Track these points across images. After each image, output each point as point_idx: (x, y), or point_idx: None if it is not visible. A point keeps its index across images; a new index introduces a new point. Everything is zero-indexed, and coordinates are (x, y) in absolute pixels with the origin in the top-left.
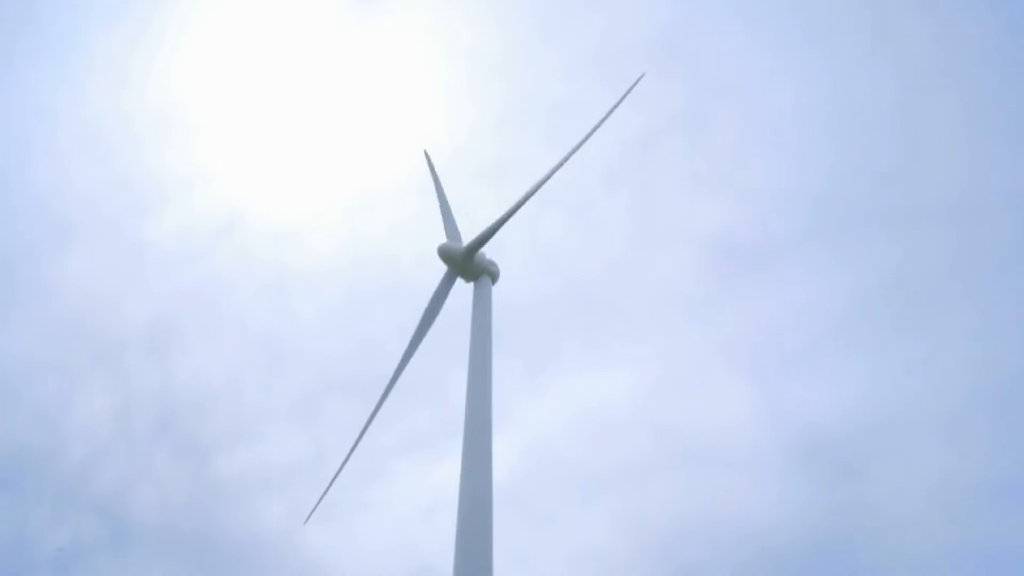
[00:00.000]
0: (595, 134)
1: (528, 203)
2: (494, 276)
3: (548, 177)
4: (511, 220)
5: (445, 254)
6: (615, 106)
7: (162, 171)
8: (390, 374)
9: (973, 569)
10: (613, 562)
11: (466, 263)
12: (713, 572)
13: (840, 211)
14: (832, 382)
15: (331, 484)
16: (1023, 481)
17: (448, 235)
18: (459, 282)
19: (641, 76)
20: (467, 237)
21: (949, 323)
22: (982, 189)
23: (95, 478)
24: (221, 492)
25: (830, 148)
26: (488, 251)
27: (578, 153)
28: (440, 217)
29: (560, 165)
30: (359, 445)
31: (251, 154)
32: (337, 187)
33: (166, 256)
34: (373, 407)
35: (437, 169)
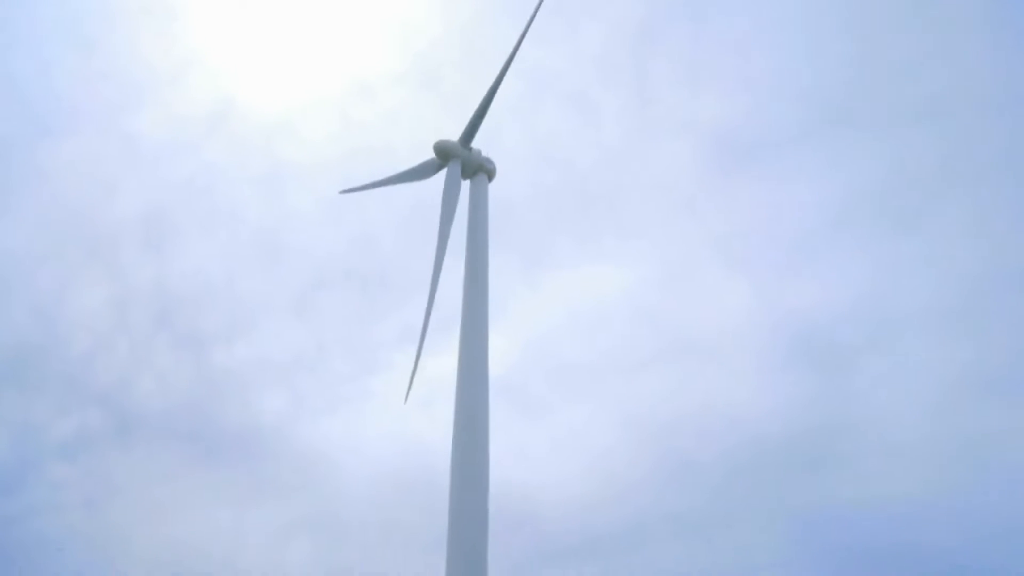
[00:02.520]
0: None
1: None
2: (490, 174)
3: (517, 47)
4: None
5: (441, 150)
6: None
7: (150, 61)
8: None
9: (955, 457)
10: (605, 451)
11: (463, 156)
12: (703, 461)
13: (840, 107)
14: (827, 277)
15: (414, 372)
16: (1009, 374)
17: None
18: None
19: None
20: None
21: (945, 220)
22: (982, 86)
23: (97, 371)
24: (221, 384)
25: (834, 44)
26: (486, 146)
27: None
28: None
29: (526, 30)
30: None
31: (241, 42)
32: (329, 75)
33: (157, 148)
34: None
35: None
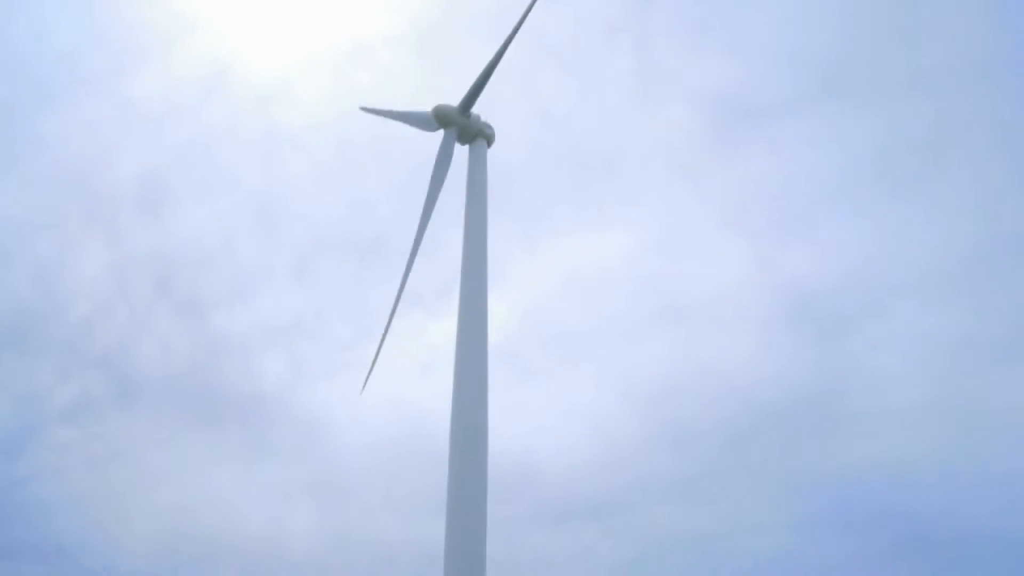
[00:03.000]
0: None
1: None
2: (490, 139)
3: (526, 15)
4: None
5: (440, 115)
6: None
7: (147, 24)
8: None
9: (955, 423)
10: (605, 416)
11: (461, 123)
12: (702, 426)
13: (841, 73)
14: (827, 243)
15: (378, 354)
16: (1008, 340)
17: (415, 123)
18: (455, 144)
19: None
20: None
21: (944, 186)
22: (982, 51)
23: (97, 336)
24: (221, 349)
25: (837, 9)
26: (484, 109)
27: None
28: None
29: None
30: (395, 311)
31: (237, 4)
32: (326, 37)
33: (153, 112)
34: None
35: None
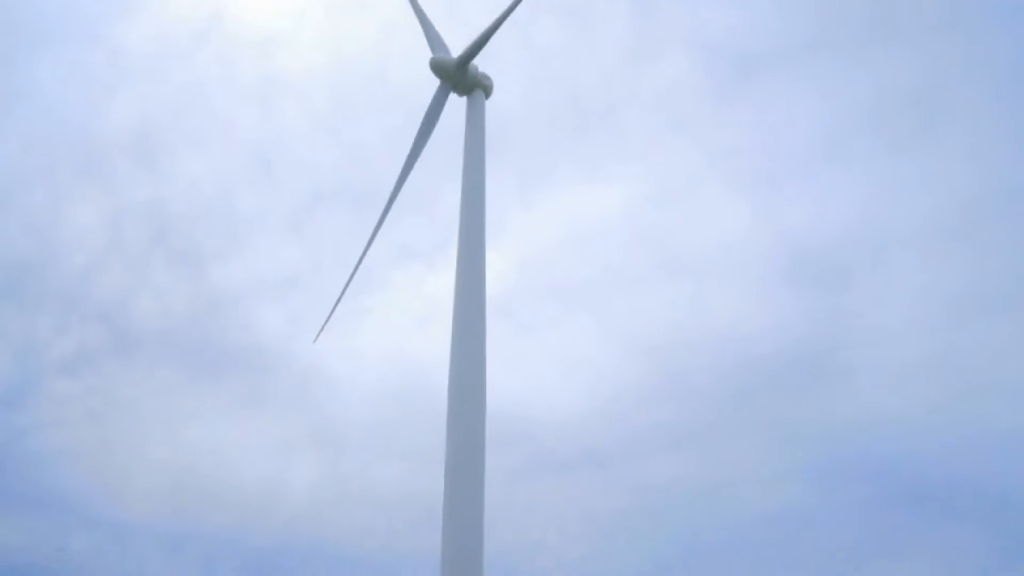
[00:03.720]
0: None
1: (523, 9)
2: (487, 90)
3: None
4: (504, 27)
5: (437, 67)
6: None
7: None
8: (383, 187)
9: (952, 375)
10: (602, 367)
11: (459, 76)
12: (699, 378)
13: (840, 24)
14: (825, 195)
15: (338, 302)
16: (1005, 292)
17: (432, 48)
18: (452, 96)
19: None
20: (459, 48)
21: (943, 139)
22: (980, 5)
23: (94, 288)
24: (219, 302)
25: None
26: (481, 59)
27: None
28: (420, 30)
29: None
30: (361, 263)
31: None
32: None
33: (146, 61)
34: (373, 227)
35: None
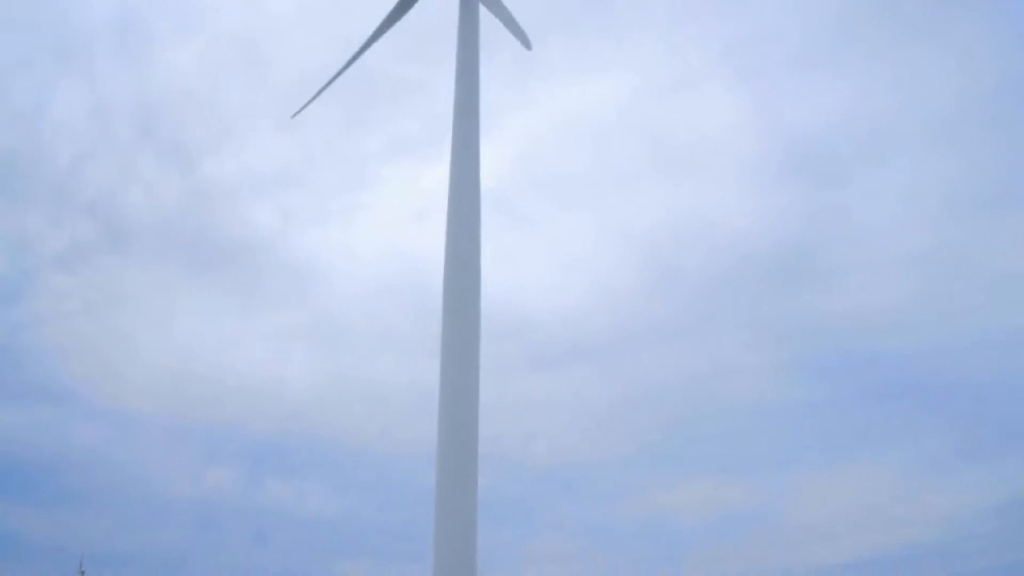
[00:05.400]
0: None
1: None
2: None
3: None
4: None
5: None
6: None
7: None
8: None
9: (941, 269)
10: (596, 262)
11: None
12: (692, 272)
13: None
14: (822, 91)
15: (327, 85)
16: (996, 191)
17: None
18: None
19: None
20: None
21: (944, 36)
22: None
23: (83, 182)
24: (210, 196)
25: None
26: None
27: None
28: None
29: None
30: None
31: None
32: None
33: None
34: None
35: None
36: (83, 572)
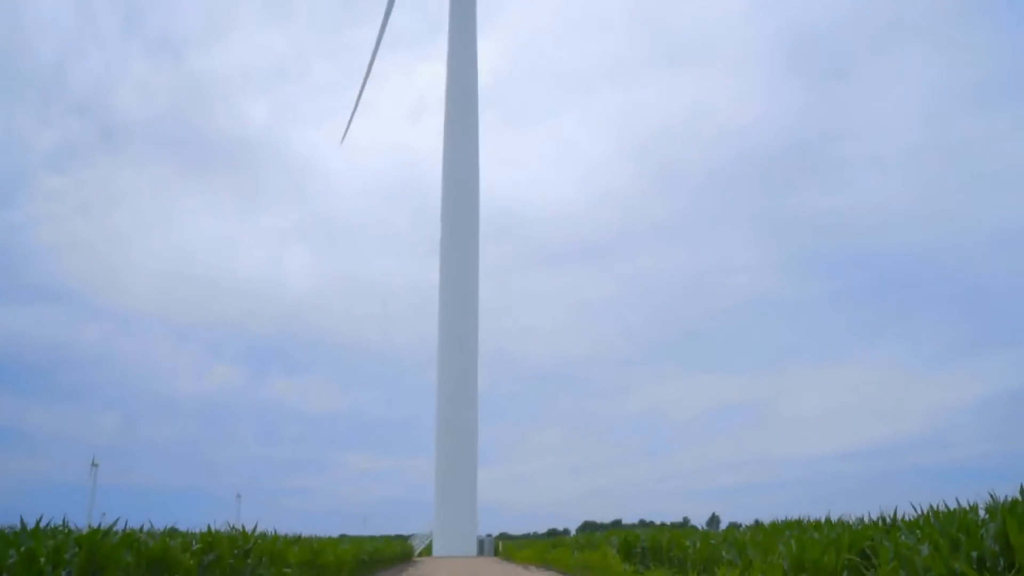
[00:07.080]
0: None
1: None
2: None
3: None
4: None
5: None
6: None
7: None
8: None
9: (939, 165)
10: (595, 159)
11: None
12: (691, 169)
13: None
14: None
15: (355, 108)
16: (1003, 85)
17: None
18: None
19: None
20: None
21: None
22: None
23: (71, 79)
24: (202, 92)
25: None
26: None
27: None
28: None
29: None
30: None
31: None
32: None
33: None
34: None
35: None
36: (95, 464)
